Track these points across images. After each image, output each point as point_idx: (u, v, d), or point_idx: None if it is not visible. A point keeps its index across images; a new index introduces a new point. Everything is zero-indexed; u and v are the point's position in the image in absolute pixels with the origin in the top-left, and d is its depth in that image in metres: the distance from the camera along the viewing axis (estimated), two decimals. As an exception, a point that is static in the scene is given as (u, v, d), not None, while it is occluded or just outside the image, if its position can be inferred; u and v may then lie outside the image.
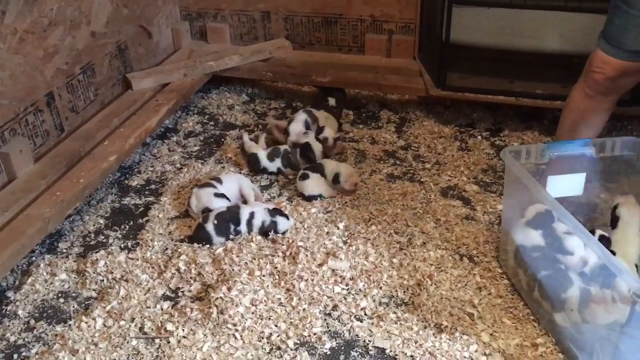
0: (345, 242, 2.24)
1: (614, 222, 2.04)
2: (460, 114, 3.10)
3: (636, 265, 1.94)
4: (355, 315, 1.93)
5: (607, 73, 1.96)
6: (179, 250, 2.21)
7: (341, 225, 2.33)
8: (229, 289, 1.99)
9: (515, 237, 1.99)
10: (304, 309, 1.95)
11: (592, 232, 1.98)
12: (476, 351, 1.79)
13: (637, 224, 1.97)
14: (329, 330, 1.88)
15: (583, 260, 1.78)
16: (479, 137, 2.93)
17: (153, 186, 2.63)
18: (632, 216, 1.97)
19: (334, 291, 2.02)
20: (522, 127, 2.99)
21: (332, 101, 3.07)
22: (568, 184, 2.08)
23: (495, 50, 2.81)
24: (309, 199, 2.47)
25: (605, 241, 1.97)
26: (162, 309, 1.97)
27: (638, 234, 1.95)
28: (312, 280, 2.06)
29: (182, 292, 2.04)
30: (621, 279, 1.50)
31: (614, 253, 1.98)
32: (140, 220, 2.41)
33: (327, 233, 2.29)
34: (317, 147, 2.66)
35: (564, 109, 2.19)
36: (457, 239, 2.26)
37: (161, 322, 1.91)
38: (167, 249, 2.23)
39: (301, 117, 2.80)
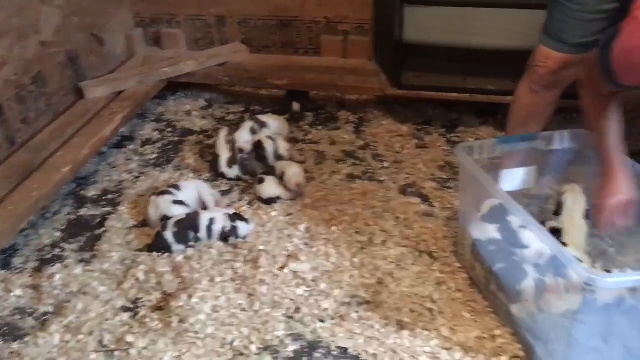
0: (306, 244, 2.25)
1: (559, 209, 2.09)
2: (417, 112, 3.14)
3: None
4: (318, 317, 1.94)
5: (549, 67, 2.01)
6: (138, 260, 2.18)
7: (302, 227, 2.33)
8: (190, 297, 1.97)
9: (472, 232, 2.03)
10: (266, 313, 1.95)
11: (544, 223, 2.04)
12: (437, 346, 1.81)
13: (581, 211, 2.02)
14: (292, 333, 1.88)
15: (538, 253, 1.83)
16: (436, 134, 2.97)
17: (110, 196, 2.59)
18: (576, 204, 2.02)
19: (296, 293, 2.02)
20: (477, 123, 3.05)
21: (296, 106, 3.08)
22: (520, 177, 2.13)
23: (449, 49, 2.85)
24: (268, 202, 2.47)
25: (557, 233, 2.03)
26: (121, 321, 1.94)
27: (584, 221, 2.00)
28: (274, 283, 2.06)
29: (142, 302, 2.01)
30: (572, 269, 1.54)
31: (565, 244, 2.05)
32: (97, 232, 2.37)
33: (288, 236, 2.29)
34: (270, 147, 2.66)
35: (512, 105, 2.24)
36: (417, 236, 2.28)
37: (121, 334, 1.89)
38: (125, 259, 2.20)
39: (247, 125, 2.77)
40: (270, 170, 2.55)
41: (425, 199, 2.51)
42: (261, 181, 2.49)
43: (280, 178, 2.52)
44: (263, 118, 2.84)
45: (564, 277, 1.66)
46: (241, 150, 2.64)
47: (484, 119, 3.07)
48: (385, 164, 2.75)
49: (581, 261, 1.99)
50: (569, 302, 1.68)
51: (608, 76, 1.66)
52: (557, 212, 2.06)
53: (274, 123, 2.85)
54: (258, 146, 2.64)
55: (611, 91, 1.78)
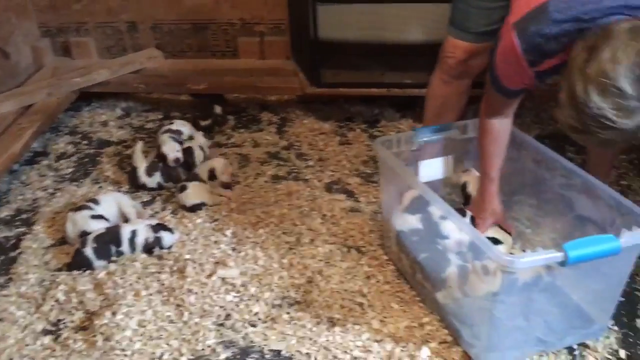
0: (234, 249, 2.22)
1: (467, 200, 2.16)
2: (338, 109, 3.16)
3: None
4: (249, 321, 1.91)
5: (457, 57, 2.07)
6: (57, 280, 2.08)
7: (229, 232, 2.30)
8: (114, 314, 1.90)
9: (395, 224, 2.07)
10: (195, 323, 1.90)
11: (463, 211, 2.11)
12: (368, 339, 1.83)
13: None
14: (223, 341, 1.85)
15: (459, 240, 1.88)
16: (358, 130, 3.00)
17: (24, 215, 2.46)
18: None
19: (225, 300, 1.99)
20: (398, 117, 3.10)
21: (218, 109, 3.03)
22: (438, 167, 2.19)
23: (366, 45, 2.89)
24: (193, 209, 2.42)
25: (474, 221, 2.10)
26: (42, 345, 1.85)
27: None
28: (202, 292, 2.02)
29: (64, 323, 1.92)
30: (489, 254, 1.59)
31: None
32: (12, 254, 2.25)
33: (215, 242, 2.26)
34: (199, 154, 2.62)
35: (426, 97, 2.29)
36: (344, 232, 2.30)
37: (42, 358, 1.80)
38: (43, 280, 2.10)
39: (166, 136, 2.68)
40: (192, 177, 2.50)
41: (350, 194, 2.53)
42: (183, 188, 2.43)
43: (210, 178, 2.49)
44: (174, 126, 2.78)
45: (484, 260, 1.71)
46: (177, 161, 2.57)
47: (403, 112, 3.12)
48: (310, 163, 2.75)
49: (501, 242, 2.07)
50: (490, 284, 1.73)
51: (495, 83, 1.75)
52: (467, 202, 2.13)
53: (185, 128, 2.81)
54: (187, 153, 2.60)
55: (501, 102, 1.84)
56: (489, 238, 1.92)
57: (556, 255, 1.51)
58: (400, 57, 2.98)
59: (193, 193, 2.43)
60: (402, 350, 1.79)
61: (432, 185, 2.21)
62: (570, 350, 1.80)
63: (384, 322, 1.89)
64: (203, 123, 2.97)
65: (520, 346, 1.77)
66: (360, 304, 1.96)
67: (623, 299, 1.96)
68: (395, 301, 1.97)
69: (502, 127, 1.91)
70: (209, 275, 2.08)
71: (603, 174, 2.19)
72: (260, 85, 3.06)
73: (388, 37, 2.78)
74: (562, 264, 1.52)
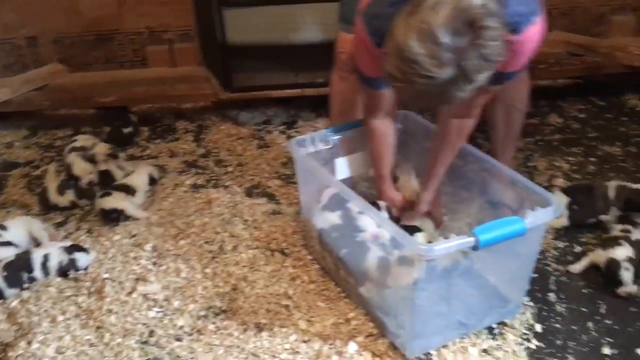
0: (154, 264, 2.16)
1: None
2: (255, 113, 3.15)
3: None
4: (174, 336, 1.87)
5: (348, 51, 2.08)
6: (-35, 314, 1.96)
7: (148, 247, 2.24)
8: (29, 343, 1.81)
9: (316, 222, 2.07)
10: (118, 344, 1.84)
11: (377, 204, 2.13)
12: (296, 340, 1.83)
13: (415, 182, 2.14)
14: (148, 359, 1.80)
15: (377, 234, 1.91)
16: (276, 132, 3.00)
17: None
18: (410, 179, 2.14)
19: (148, 317, 1.94)
20: (314, 116, 3.12)
21: (133, 117, 2.95)
22: (355, 163, 2.21)
23: (276, 47, 2.89)
24: (111, 214, 2.33)
25: (390, 212, 2.13)
26: (-49, 385, 1.74)
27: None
28: (123, 310, 1.95)
29: (-26, 359, 1.82)
30: (404, 243, 1.63)
31: (398, 220, 2.16)
32: None
33: (134, 258, 2.19)
34: (118, 174, 2.56)
35: (330, 96, 2.30)
36: (267, 236, 2.29)
37: (-48, 400, 1.69)
38: (-51, 316, 1.97)
39: (72, 157, 2.60)
40: (117, 186, 2.46)
41: (271, 197, 2.52)
42: (106, 194, 2.38)
43: (150, 182, 2.50)
44: (78, 143, 2.69)
45: (403, 251, 1.75)
46: (90, 184, 2.48)
47: (319, 111, 3.14)
48: (229, 169, 2.72)
49: (421, 230, 2.12)
50: (411, 273, 1.77)
51: (359, 74, 1.81)
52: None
53: (90, 142, 2.73)
54: (105, 175, 2.53)
55: (370, 95, 1.89)
56: (408, 227, 1.97)
57: (468, 241, 1.56)
58: (313, 56, 3.00)
59: (114, 199, 2.35)
60: (329, 348, 1.79)
61: (351, 180, 2.25)
62: (490, 330, 1.86)
63: (310, 322, 1.89)
64: (125, 130, 2.89)
65: (442, 331, 1.82)
66: (287, 306, 1.95)
67: (536, 275, 2.06)
68: (321, 300, 1.98)
69: (383, 127, 1.96)
70: (129, 293, 2.02)
71: (507, 159, 2.29)
72: (172, 94, 3.00)
73: (298, 38, 2.79)
74: (474, 248, 1.57)
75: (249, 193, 2.55)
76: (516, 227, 1.59)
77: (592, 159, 2.65)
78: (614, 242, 2.00)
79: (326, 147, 2.14)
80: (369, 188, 2.38)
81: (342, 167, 2.16)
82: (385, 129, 1.96)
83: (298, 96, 2.98)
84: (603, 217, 2.20)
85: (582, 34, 3.13)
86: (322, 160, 2.13)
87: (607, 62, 2.94)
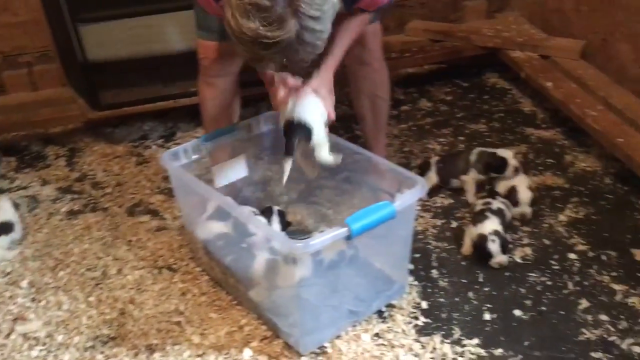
0: (33, 300, 2.04)
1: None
2: (130, 129, 3.04)
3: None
4: (61, 373, 1.78)
5: (210, 57, 2.07)
6: None
7: (25, 284, 2.11)
8: None
9: (200, 233, 2.05)
10: (-2, 391, 1.73)
11: (271, 208, 2.15)
12: (190, 356, 1.80)
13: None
14: (34, 401, 1.70)
15: (265, 238, 1.91)
16: (154, 147, 2.92)
17: None
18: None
19: (31, 357, 1.83)
20: (193, 126, 3.06)
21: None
22: (234, 169, 2.19)
23: (142, 59, 2.80)
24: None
25: (283, 215, 2.16)
26: None
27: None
28: (2, 355, 1.83)
29: None
30: (277, 243, 1.65)
31: (289, 224, 2.18)
32: None
33: (10, 297, 2.06)
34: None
35: (200, 103, 2.27)
36: (153, 254, 2.22)
37: None
38: None
39: None
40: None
41: (155, 214, 2.45)
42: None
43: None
44: None
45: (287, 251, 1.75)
46: None
47: (198, 120, 3.08)
48: (107, 190, 2.62)
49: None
50: (300, 270, 1.79)
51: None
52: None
53: None
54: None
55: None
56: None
57: (341, 231, 1.60)
58: (182, 65, 2.93)
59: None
60: (225, 358, 1.78)
61: (234, 186, 2.24)
62: (380, 313, 1.92)
63: (204, 335, 1.86)
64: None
65: (334, 323, 1.85)
66: (178, 323, 1.91)
67: (419, 255, 2.15)
68: (213, 311, 1.96)
69: None
70: (8, 335, 1.90)
71: (379, 151, 2.38)
72: (37, 119, 2.84)
73: (163, 48, 2.72)
74: (348, 237, 1.61)
75: (130, 212, 2.47)
76: (386, 212, 1.66)
77: (461, 138, 2.81)
78: (481, 216, 2.12)
79: (201, 156, 2.12)
80: (254, 192, 2.38)
81: (221, 175, 2.14)
82: None
83: (173, 107, 2.92)
84: (463, 177, 2.39)
85: (440, 21, 3.30)
86: (201, 170, 2.10)
87: (465, 45, 3.12)
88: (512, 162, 2.31)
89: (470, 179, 2.37)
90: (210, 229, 2.01)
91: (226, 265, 1.96)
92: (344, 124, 2.92)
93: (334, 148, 1.90)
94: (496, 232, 2.05)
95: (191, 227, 2.11)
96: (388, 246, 1.97)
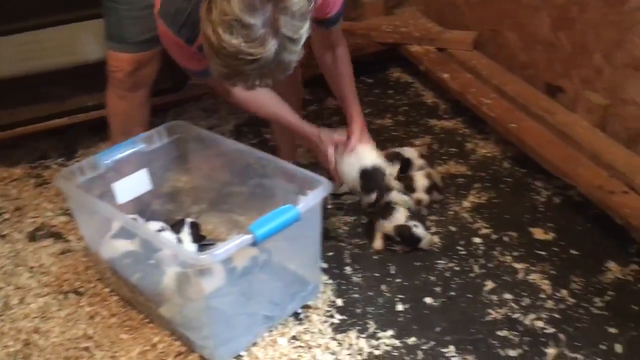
0: None
1: None
2: (29, 150, 2.89)
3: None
4: (-39, 416, 1.67)
5: (124, 69, 2.03)
6: None
7: None
8: None
9: (105, 253, 1.97)
10: None
11: (183, 221, 2.11)
12: (101, 381, 1.73)
13: None
14: None
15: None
16: (55, 166, 2.78)
17: None
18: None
19: None
20: (97, 140, 2.94)
21: None
22: (135, 184, 2.13)
23: (33, 76, 2.66)
24: None
25: (196, 227, 2.13)
26: None
27: None
28: None
29: None
30: (180, 256, 1.62)
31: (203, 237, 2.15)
32: None
33: None
34: None
35: (108, 116, 2.21)
36: (57, 278, 2.12)
37: None
38: None
39: None
40: None
41: (58, 236, 2.34)
42: None
43: None
44: None
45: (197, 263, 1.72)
46: None
47: (102, 135, 2.98)
48: (5, 216, 2.47)
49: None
50: (213, 281, 1.76)
51: (192, 72, 1.85)
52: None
53: None
54: None
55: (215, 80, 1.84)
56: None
57: (245, 238, 1.59)
58: (79, 79, 2.83)
59: None
60: (138, 379, 1.73)
61: (141, 200, 2.18)
62: (296, 315, 1.93)
63: (115, 358, 1.80)
64: None
65: (249, 330, 1.84)
66: (87, 348, 1.84)
67: (332, 253, 2.17)
68: (124, 331, 1.89)
69: (251, 91, 1.87)
70: None
71: (289, 154, 2.39)
72: None
73: (50, 64, 2.60)
74: (253, 244, 1.60)
75: (32, 237, 2.34)
76: (290, 215, 1.66)
77: (369, 133, 2.85)
78: (390, 209, 2.16)
79: (101, 172, 2.04)
80: (164, 204, 2.33)
81: (122, 191, 2.07)
82: (253, 90, 1.87)
83: (71, 124, 2.80)
84: None
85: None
86: (104, 187, 2.03)
87: (366, 42, 3.18)
88: (417, 161, 2.41)
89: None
90: (116, 248, 1.94)
91: (134, 283, 1.90)
92: (252, 129, 2.91)
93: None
94: (411, 217, 2.11)
95: (95, 248, 2.03)
96: (300, 247, 1.97)
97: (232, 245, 1.57)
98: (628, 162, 2.12)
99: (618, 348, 1.76)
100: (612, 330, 1.82)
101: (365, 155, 2.11)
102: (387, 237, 2.17)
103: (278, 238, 1.73)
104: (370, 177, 2.10)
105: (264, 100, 2.02)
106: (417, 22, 3.26)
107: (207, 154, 2.28)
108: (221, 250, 1.56)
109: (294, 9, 1.44)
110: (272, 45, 1.43)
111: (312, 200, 1.75)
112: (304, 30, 1.49)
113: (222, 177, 2.32)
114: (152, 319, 1.92)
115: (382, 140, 2.76)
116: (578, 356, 1.75)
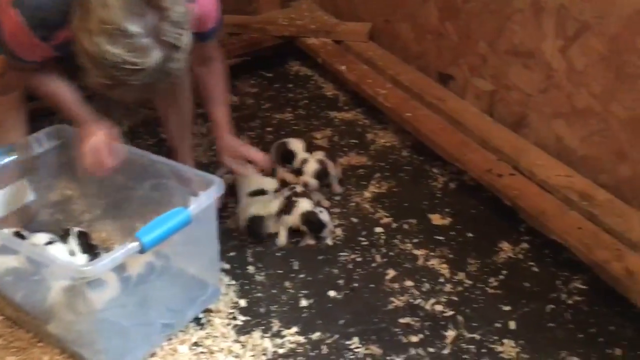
0: None
1: None
2: None
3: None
4: None
5: None
6: None
7: None
8: None
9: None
10: None
11: (68, 231, 1.98)
12: (-16, 411, 1.60)
13: None
14: None
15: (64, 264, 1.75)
16: None
17: None
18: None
19: None
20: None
21: None
22: (14, 196, 1.99)
23: None
24: None
25: (84, 236, 2.01)
26: None
27: None
28: None
29: None
30: (62, 270, 1.52)
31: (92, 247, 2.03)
32: None
33: None
34: None
35: None
36: None
37: None
38: None
39: None
40: None
41: None
42: None
43: None
44: None
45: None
46: None
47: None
48: None
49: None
50: (106, 292, 1.67)
51: (14, 57, 1.69)
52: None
53: None
54: None
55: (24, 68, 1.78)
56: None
57: (132, 246, 1.51)
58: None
59: None
60: (26, 404, 1.61)
61: (27, 211, 2.04)
62: (197, 320, 1.86)
63: (0, 385, 1.68)
64: None
65: (147, 341, 1.76)
66: (-32, 377, 1.70)
67: (234, 253, 2.12)
68: (10, 353, 1.76)
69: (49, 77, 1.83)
70: None
71: (186, 154, 2.31)
72: None
73: None
74: (141, 251, 1.53)
75: None
76: (180, 218, 1.60)
77: (269, 129, 2.82)
78: (291, 202, 2.14)
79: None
80: (53, 214, 2.19)
81: (2, 202, 1.93)
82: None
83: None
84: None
85: (236, 14, 3.28)
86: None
87: (262, 36, 3.13)
88: (301, 154, 2.40)
89: (280, 172, 2.38)
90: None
91: (18, 302, 1.77)
92: (149, 129, 2.80)
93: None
94: (315, 205, 2.11)
95: (-26, 266, 1.87)
96: (198, 250, 1.91)
97: (116, 255, 1.49)
98: (514, 145, 2.21)
99: (512, 324, 1.83)
100: (506, 308, 1.89)
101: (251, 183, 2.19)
102: (290, 233, 2.15)
103: (175, 241, 1.67)
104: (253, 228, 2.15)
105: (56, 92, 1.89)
106: (313, 15, 3.25)
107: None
108: (104, 261, 1.47)
109: (176, 17, 1.41)
110: (156, 53, 1.39)
111: (204, 201, 1.69)
112: (188, 39, 1.46)
113: (115, 181, 2.21)
114: (41, 338, 1.80)
115: (282, 135, 2.74)
116: (475, 336, 1.80)
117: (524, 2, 2.11)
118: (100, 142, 1.82)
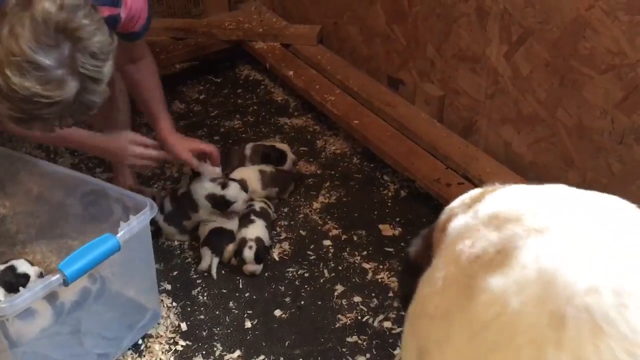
0: None
1: None
2: None
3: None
4: None
5: None
6: None
7: None
8: None
9: None
10: None
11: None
12: None
13: None
14: None
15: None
16: None
17: None
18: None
19: None
20: None
21: None
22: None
23: None
24: None
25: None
26: None
27: None
28: None
29: None
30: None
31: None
32: None
33: None
34: None
35: None
36: None
37: None
38: None
39: None
40: None
41: None
42: None
43: None
44: None
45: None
46: None
47: None
48: None
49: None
50: (37, 322, 1.58)
51: None
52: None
53: None
54: None
55: None
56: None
57: (54, 279, 1.42)
58: None
59: None
60: None
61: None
62: (136, 347, 1.78)
63: None
64: None
65: (80, 374, 1.67)
66: None
67: (176, 272, 2.04)
68: None
69: None
70: None
71: (125, 173, 2.21)
72: None
73: None
74: (65, 283, 1.43)
75: None
76: (108, 246, 1.51)
77: (217, 137, 2.73)
78: (247, 220, 2.06)
79: None
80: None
81: None
82: None
83: None
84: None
85: (181, 17, 3.17)
86: None
87: (208, 40, 3.03)
88: (291, 155, 2.39)
89: (253, 173, 2.27)
90: None
91: None
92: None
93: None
94: (258, 239, 1.99)
95: None
96: (135, 273, 1.82)
97: (36, 289, 1.39)
98: (463, 152, 2.17)
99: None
100: (456, 321, 1.85)
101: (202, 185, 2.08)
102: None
103: (111, 263, 1.59)
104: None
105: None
106: (262, 17, 3.15)
107: (30, 177, 2.05)
108: (22, 297, 1.37)
109: (93, 48, 1.33)
110: (72, 86, 1.32)
111: (135, 225, 1.60)
112: (107, 69, 1.39)
113: (52, 199, 2.10)
114: (-35, 375, 1.68)
115: (230, 143, 2.65)
116: (424, 353, 1.75)
117: (469, 7, 2.06)
118: (134, 149, 1.90)
